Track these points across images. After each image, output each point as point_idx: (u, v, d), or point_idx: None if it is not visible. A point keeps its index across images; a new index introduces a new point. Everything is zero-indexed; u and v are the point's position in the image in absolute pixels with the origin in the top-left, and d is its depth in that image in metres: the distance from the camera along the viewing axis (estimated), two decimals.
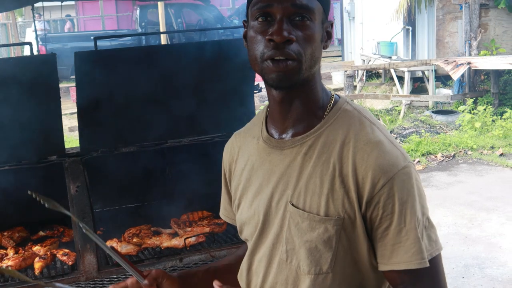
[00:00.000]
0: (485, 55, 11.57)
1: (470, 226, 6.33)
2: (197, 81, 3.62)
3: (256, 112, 3.89)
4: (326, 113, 1.54)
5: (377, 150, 1.44)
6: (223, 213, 1.90)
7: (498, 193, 7.33)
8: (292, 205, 1.50)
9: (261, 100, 11.78)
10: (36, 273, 3.08)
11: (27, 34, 19.35)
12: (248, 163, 1.66)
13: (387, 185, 1.41)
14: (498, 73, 11.05)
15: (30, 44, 3.63)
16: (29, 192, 1.83)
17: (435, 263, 1.47)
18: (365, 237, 1.47)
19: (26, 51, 14.10)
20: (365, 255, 1.48)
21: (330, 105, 1.56)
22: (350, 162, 1.45)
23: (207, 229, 3.42)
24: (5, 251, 3.32)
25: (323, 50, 1.55)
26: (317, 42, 1.47)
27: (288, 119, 1.56)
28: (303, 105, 1.54)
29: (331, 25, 1.56)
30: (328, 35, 1.54)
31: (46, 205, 1.75)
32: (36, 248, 3.32)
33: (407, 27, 13.93)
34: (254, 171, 1.63)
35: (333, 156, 1.47)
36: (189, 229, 3.47)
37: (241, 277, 1.70)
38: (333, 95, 1.59)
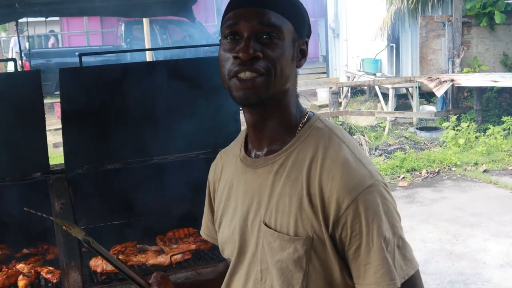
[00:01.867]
0: (468, 72, 11.68)
1: (454, 242, 6.35)
2: (182, 97, 3.61)
3: (242, 128, 3.90)
4: (298, 130, 1.54)
5: (341, 169, 1.43)
6: (205, 232, 1.90)
7: (482, 209, 7.37)
8: (265, 224, 1.50)
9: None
10: None
11: (10, 50, 19.26)
12: (228, 182, 1.67)
13: (352, 205, 1.40)
14: (481, 90, 11.15)
15: (14, 60, 3.62)
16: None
17: (413, 281, 1.45)
18: (336, 258, 1.44)
19: (10, 67, 14.04)
20: (338, 276, 1.46)
21: (302, 122, 1.55)
22: (317, 181, 1.44)
23: (193, 246, 3.41)
24: None
25: (301, 68, 1.55)
26: (286, 60, 1.47)
27: (262, 138, 1.57)
28: (277, 124, 1.54)
29: (306, 43, 1.55)
30: (302, 54, 1.54)
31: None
32: (20, 266, 3.28)
33: (391, 44, 14.06)
34: (233, 190, 1.64)
35: (302, 174, 1.47)
36: (175, 246, 3.45)
37: None
38: (307, 113, 1.58)
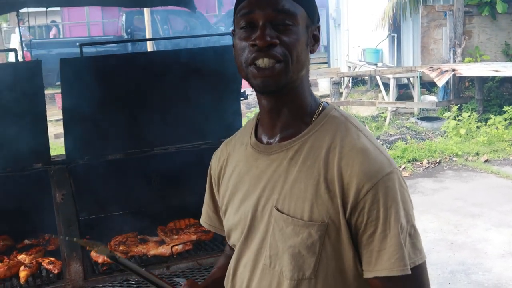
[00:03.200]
0: (469, 62, 11.65)
1: (456, 232, 6.36)
2: (183, 88, 3.60)
3: (243, 119, 3.89)
4: (313, 119, 1.55)
5: (362, 156, 1.44)
6: (206, 221, 1.90)
7: (483, 199, 7.37)
8: (277, 210, 1.50)
9: (247, 107, 11.78)
10: (22, 282, 3.05)
11: (11, 40, 19.22)
12: (236, 169, 1.67)
13: (371, 190, 1.41)
14: (483, 80, 11.13)
15: (15, 50, 3.61)
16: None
17: (420, 271, 1.46)
18: (350, 244, 1.46)
19: (11, 58, 14.01)
20: (350, 263, 1.47)
21: (318, 111, 1.57)
22: (336, 168, 1.45)
23: (194, 237, 3.41)
24: None
25: (310, 56, 1.56)
26: (302, 46, 1.48)
27: (277, 125, 1.57)
28: (292, 111, 1.55)
29: (318, 28, 1.57)
30: (315, 39, 1.56)
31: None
32: (21, 257, 3.29)
33: (392, 34, 14.02)
34: (242, 177, 1.64)
35: (318, 161, 1.48)
36: (176, 236, 3.46)
37: (227, 281, 1.70)
38: (321, 102, 1.60)
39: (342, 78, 13.61)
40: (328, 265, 1.47)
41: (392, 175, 1.45)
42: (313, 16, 1.54)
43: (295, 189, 1.49)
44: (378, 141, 9.05)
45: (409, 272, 1.41)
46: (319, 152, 1.49)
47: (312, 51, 1.55)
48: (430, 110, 11.90)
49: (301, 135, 1.53)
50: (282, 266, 1.50)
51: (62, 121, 3.44)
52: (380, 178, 1.42)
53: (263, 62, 1.45)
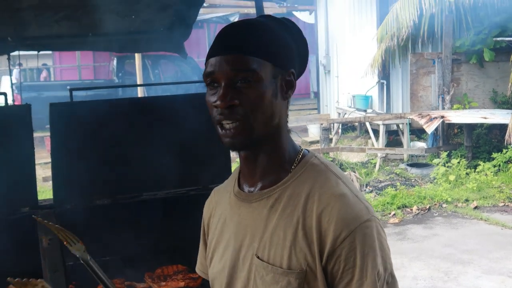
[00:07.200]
0: (458, 109, 11.76)
1: (446, 279, 6.32)
2: (172, 134, 3.61)
3: (232, 165, 3.89)
4: (293, 166, 1.55)
5: (340, 203, 1.44)
6: (200, 268, 1.89)
7: (473, 246, 7.35)
8: (258, 257, 1.50)
9: (236, 153, 11.77)
10: None
11: (2, 83, 19.27)
12: (221, 218, 1.68)
13: (348, 238, 1.41)
14: (471, 127, 11.21)
15: (5, 94, 3.62)
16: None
17: None
18: None
19: (1, 101, 14.00)
20: None
21: (297, 159, 1.57)
22: (314, 215, 1.45)
23: (182, 284, 3.37)
24: None
25: (292, 104, 1.56)
26: (267, 99, 1.47)
27: (255, 173, 1.58)
28: (269, 160, 1.56)
29: (292, 74, 1.54)
30: (289, 85, 1.54)
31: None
32: None
33: (381, 81, 14.15)
34: (226, 225, 1.64)
35: (298, 209, 1.48)
36: (164, 283, 3.41)
37: None
38: (301, 150, 1.60)
39: (332, 124, 13.68)
40: None
41: (370, 222, 1.45)
42: (284, 64, 1.52)
43: (274, 237, 1.49)
44: (368, 187, 9.06)
45: None
46: (298, 199, 1.49)
47: (285, 98, 1.54)
48: (420, 156, 11.96)
49: (281, 183, 1.54)
50: None
51: (50, 164, 3.43)
52: (357, 225, 1.42)
53: (226, 123, 1.46)
